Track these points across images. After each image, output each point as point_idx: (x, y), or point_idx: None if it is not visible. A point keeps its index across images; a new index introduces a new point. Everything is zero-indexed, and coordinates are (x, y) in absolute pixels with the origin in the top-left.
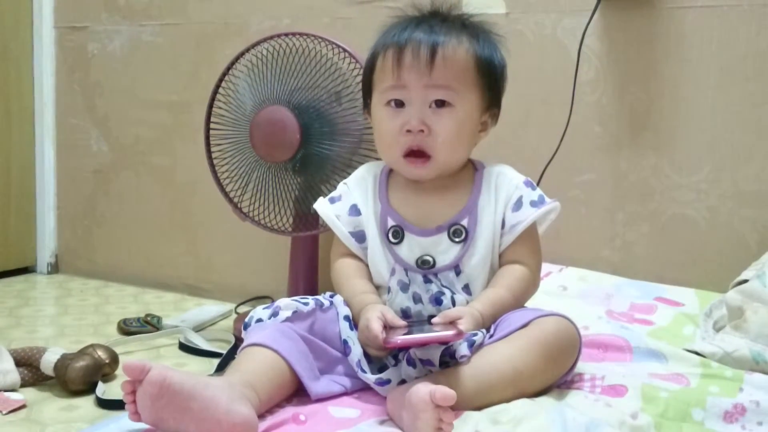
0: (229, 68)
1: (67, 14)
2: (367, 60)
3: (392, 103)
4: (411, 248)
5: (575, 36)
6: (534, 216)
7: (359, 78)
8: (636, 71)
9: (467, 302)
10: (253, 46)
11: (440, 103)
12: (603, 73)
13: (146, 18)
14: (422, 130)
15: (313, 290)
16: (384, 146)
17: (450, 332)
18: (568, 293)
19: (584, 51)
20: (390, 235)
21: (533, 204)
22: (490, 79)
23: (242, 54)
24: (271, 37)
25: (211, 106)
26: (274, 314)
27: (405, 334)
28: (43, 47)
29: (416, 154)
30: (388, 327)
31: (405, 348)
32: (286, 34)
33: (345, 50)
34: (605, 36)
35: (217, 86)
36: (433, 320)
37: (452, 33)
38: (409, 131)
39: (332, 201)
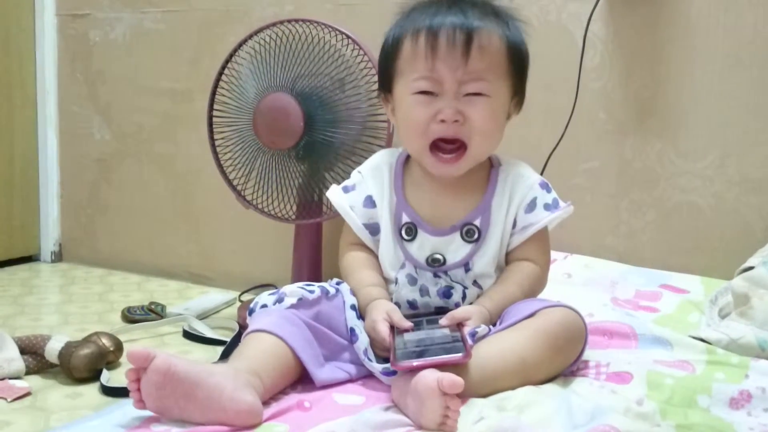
0: (231, 55)
1: (69, 2)
2: (389, 44)
3: (423, 92)
4: (422, 246)
5: (580, 22)
6: (546, 220)
7: (363, 65)
8: (642, 57)
9: (478, 296)
10: (256, 32)
11: (474, 93)
12: (608, 59)
13: (148, 5)
14: (457, 120)
15: (317, 278)
16: (413, 134)
17: (459, 354)
18: (573, 281)
19: (590, 37)
20: (403, 232)
21: (547, 207)
22: (519, 67)
23: (245, 41)
24: (274, 24)
25: (213, 93)
26: (279, 300)
27: (413, 330)
28: (44, 35)
29: (448, 143)
30: (394, 328)
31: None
32: (289, 21)
33: (349, 37)
34: (611, 21)
35: (220, 73)
36: (441, 321)
37: (486, 18)
38: (443, 121)
39: (346, 190)
